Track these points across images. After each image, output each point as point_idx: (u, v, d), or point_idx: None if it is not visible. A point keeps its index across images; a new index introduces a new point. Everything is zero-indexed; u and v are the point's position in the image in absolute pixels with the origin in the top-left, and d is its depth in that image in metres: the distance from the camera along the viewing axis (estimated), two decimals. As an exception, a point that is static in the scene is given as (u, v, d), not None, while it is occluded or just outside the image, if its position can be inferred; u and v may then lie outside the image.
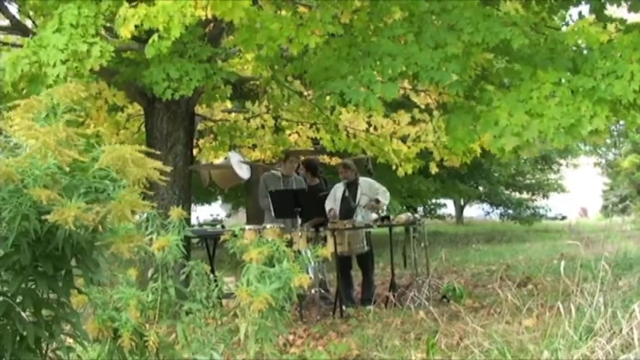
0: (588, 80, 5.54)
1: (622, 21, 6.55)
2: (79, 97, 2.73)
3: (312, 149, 10.89)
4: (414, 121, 10.21)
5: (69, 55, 5.09)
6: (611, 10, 6.75)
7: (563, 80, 5.67)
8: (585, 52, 6.05)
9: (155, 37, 5.27)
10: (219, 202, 27.39)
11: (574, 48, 6.21)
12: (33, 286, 2.74)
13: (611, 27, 6.49)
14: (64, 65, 5.11)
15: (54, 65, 5.11)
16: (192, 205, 12.11)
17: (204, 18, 5.78)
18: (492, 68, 6.74)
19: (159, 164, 2.71)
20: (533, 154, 5.77)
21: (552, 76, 5.63)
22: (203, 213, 30.20)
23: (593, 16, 6.57)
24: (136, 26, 5.31)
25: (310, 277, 4.62)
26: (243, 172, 9.98)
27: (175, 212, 3.65)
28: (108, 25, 6.39)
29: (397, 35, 5.88)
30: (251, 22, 5.70)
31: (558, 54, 5.98)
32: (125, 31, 5.29)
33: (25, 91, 7.02)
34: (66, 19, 5.21)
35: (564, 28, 7.22)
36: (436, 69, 5.57)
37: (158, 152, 2.83)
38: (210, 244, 8.52)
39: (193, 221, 16.82)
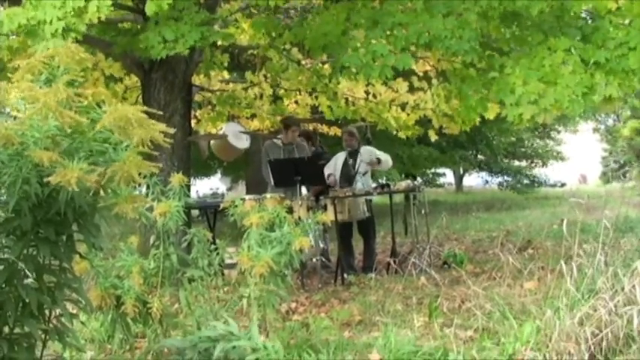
0: (600, 52, 5.49)
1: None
2: (81, 58, 2.69)
3: (311, 118, 10.85)
4: (412, 89, 10.18)
5: (65, 12, 5.04)
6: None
7: (573, 49, 5.63)
8: (593, 20, 5.99)
9: None
10: (219, 175, 27.39)
11: (582, 15, 6.16)
12: (34, 252, 2.73)
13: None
14: (62, 21, 5.06)
15: (51, 22, 5.06)
16: (192, 178, 12.09)
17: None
18: (501, 35, 6.68)
19: (162, 126, 2.67)
20: (549, 120, 5.75)
21: (563, 44, 5.59)
22: (203, 187, 30.25)
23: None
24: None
25: (312, 245, 4.64)
26: (242, 143, 9.96)
27: (176, 178, 3.65)
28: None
29: (405, 3, 5.83)
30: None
31: (566, 23, 5.93)
32: None
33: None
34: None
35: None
36: (450, 37, 5.53)
37: (160, 113, 2.78)
38: (210, 215, 8.52)
39: (193, 195, 16.83)
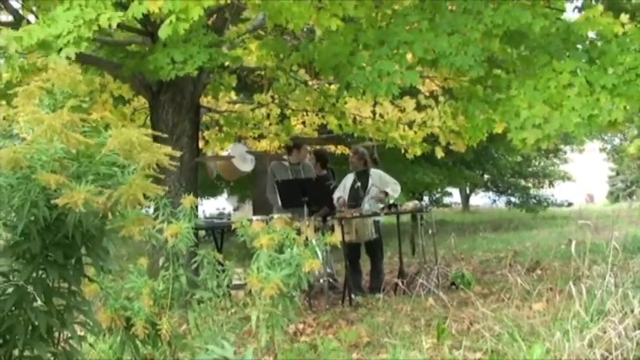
0: (609, 77, 5.51)
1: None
2: (74, 80, 2.71)
3: (318, 138, 10.88)
4: (419, 107, 10.21)
5: (78, 25, 5.09)
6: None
7: (579, 71, 5.65)
8: (600, 43, 6.01)
9: (173, 17, 5.23)
10: (225, 195, 27.41)
11: (589, 38, 6.19)
12: (43, 275, 2.74)
13: (623, 17, 6.44)
14: (72, 33, 5.11)
15: (63, 35, 5.12)
16: (199, 198, 12.12)
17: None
18: (507, 56, 6.71)
19: (168, 149, 2.68)
20: (553, 144, 5.77)
21: (569, 66, 5.60)
22: (209, 207, 30.23)
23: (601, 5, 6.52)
24: (146, 15, 5.29)
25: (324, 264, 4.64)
26: (247, 165, 10.00)
27: (187, 200, 3.66)
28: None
29: (411, 22, 5.88)
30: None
31: (573, 44, 5.96)
32: (153, 6, 5.25)
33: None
34: (76, 1, 5.23)
35: (569, 14, 7.17)
36: (455, 54, 5.57)
37: (165, 135, 2.80)
38: (217, 236, 8.52)
39: (200, 215, 16.81)
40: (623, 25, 6.03)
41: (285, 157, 8.75)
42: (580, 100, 5.41)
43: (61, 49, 5.13)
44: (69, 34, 5.09)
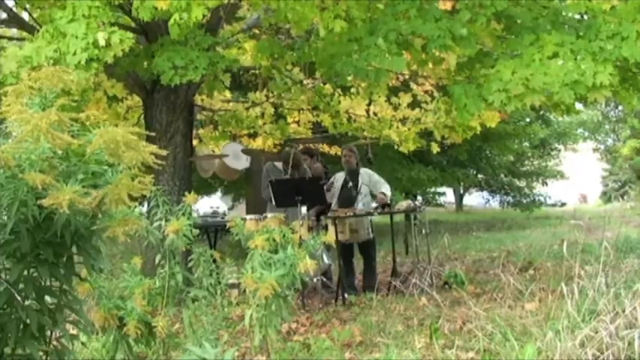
0: (593, 43, 5.53)
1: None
2: (62, 79, 2.71)
3: (312, 137, 10.89)
4: (414, 103, 10.23)
5: (88, 44, 5.10)
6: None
7: (565, 44, 5.66)
8: (588, 19, 6.06)
9: (177, 16, 5.22)
10: (219, 194, 27.36)
11: (577, 17, 6.24)
12: (34, 274, 2.74)
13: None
14: (85, 52, 5.11)
15: (74, 53, 5.12)
16: (193, 197, 12.07)
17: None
18: (494, 41, 6.72)
19: (154, 148, 2.68)
20: (538, 102, 5.69)
21: (555, 39, 5.62)
22: (203, 206, 30.15)
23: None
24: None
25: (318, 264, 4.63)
26: (241, 163, 10.00)
27: (190, 197, 3.69)
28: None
29: (400, 12, 5.90)
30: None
31: (561, 24, 5.99)
32: (162, 3, 5.24)
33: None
34: (79, 10, 5.22)
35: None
36: (443, 36, 5.59)
37: (153, 134, 2.80)
38: (211, 234, 8.51)
39: (193, 214, 16.76)
40: (611, 2, 6.07)
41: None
42: (564, 68, 5.43)
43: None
44: (81, 53, 5.10)
